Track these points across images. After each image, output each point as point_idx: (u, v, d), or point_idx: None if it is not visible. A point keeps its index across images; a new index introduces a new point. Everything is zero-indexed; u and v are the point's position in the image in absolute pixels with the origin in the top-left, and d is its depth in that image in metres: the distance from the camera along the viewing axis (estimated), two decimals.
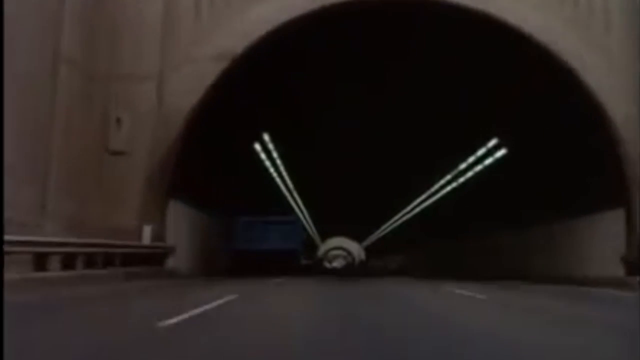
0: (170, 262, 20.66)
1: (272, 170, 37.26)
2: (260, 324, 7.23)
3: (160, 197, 20.28)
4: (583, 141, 21.17)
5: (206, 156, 24.48)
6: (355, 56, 24.32)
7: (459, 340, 5.93)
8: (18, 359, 4.52)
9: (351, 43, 23.17)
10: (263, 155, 33.07)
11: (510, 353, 5.27)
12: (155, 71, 20.19)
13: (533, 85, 21.82)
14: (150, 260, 19.32)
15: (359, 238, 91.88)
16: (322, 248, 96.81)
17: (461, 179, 35.53)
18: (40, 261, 13.41)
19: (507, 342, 5.93)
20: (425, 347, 5.51)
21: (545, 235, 25.98)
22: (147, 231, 19.00)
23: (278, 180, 41.07)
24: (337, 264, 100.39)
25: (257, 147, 31.32)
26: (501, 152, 28.06)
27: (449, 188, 39.13)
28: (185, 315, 7.24)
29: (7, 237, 10.95)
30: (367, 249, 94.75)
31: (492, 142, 28.06)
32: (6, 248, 10.90)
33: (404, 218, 57.28)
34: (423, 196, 45.89)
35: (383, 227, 69.21)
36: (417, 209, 50.19)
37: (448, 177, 37.36)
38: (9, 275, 10.73)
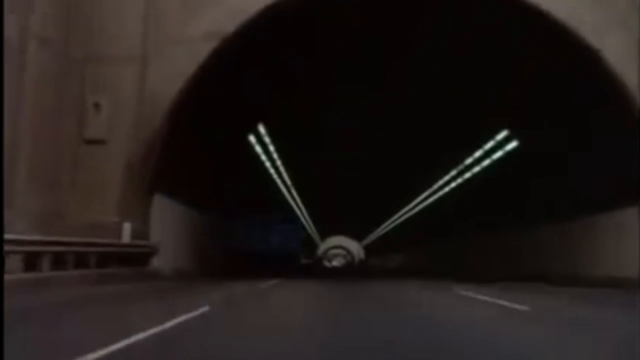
0: (155, 262, 18.94)
1: (268, 164, 35.41)
2: None
3: (143, 191, 18.50)
4: (604, 132, 19.42)
5: (195, 147, 22.61)
6: (358, 37, 22.49)
7: None
8: None
9: (353, 24, 21.38)
10: (258, 149, 31.22)
11: None
12: (137, 52, 18.42)
13: (548, 69, 20.06)
14: (132, 260, 17.60)
15: (358, 237, 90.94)
16: (322, 247, 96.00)
17: (467, 175, 33.86)
18: None
19: None
20: None
21: (559, 233, 24.25)
22: (127, 228, 17.21)
23: (275, 176, 39.31)
24: (336, 262, 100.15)
25: (252, 139, 29.43)
26: (512, 145, 26.35)
27: (453, 184, 37.54)
28: (112, 347, 5.03)
29: None
30: (367, 248, 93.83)
31: (502, 134, 26.35)
32: None
33: (404, 217, 55.95)
34: (424, 194, 44.37)
35: (383, 225, 67.94)
36: (418, 208, 48.72)
37: (453, 172, 35.70)
38: None
